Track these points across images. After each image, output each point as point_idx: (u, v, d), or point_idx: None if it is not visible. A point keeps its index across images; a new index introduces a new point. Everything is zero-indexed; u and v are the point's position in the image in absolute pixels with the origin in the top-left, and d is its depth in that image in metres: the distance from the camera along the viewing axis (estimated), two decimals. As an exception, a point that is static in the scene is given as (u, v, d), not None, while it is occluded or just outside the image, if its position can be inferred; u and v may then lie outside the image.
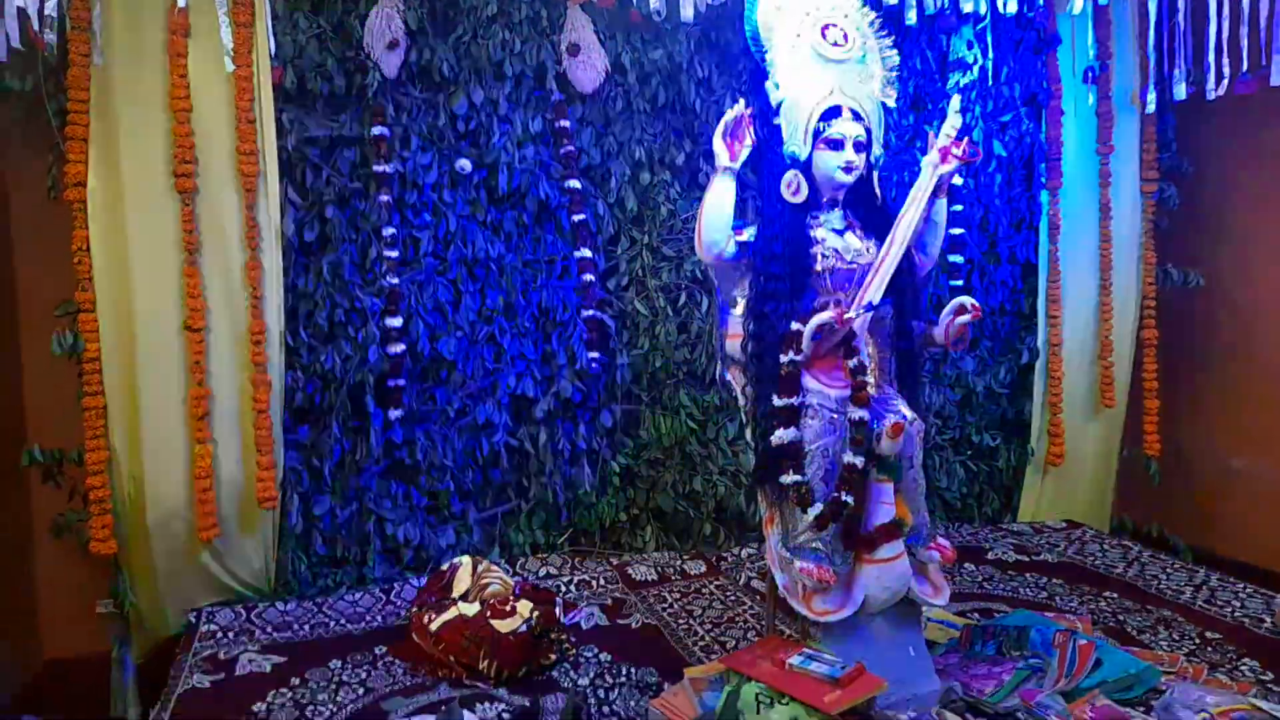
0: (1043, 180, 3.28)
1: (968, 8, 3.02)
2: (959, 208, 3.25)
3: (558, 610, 2.43)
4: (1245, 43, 2.89)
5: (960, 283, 3.28)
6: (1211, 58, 2.94)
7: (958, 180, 3.23)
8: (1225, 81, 2.98)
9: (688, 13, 2.73)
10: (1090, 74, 3.27)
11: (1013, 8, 3.01)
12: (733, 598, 2.74)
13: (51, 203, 2.50)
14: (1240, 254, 3.42)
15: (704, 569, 2.99)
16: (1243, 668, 2.18)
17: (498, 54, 2.81)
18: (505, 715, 2.02)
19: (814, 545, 1.93)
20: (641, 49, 2.95)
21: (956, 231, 3.25)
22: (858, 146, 2.00)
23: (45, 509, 2.71)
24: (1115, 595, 2.68)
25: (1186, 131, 3.41)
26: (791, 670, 1.79)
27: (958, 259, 3.28)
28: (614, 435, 3.07)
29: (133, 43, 2.45)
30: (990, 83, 3.24)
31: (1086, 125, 3.29)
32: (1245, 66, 2.95)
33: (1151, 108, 3.15)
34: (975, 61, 3.20)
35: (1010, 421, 3.44)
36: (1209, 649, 2.30)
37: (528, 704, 2.07)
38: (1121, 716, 1.85)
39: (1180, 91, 3.11)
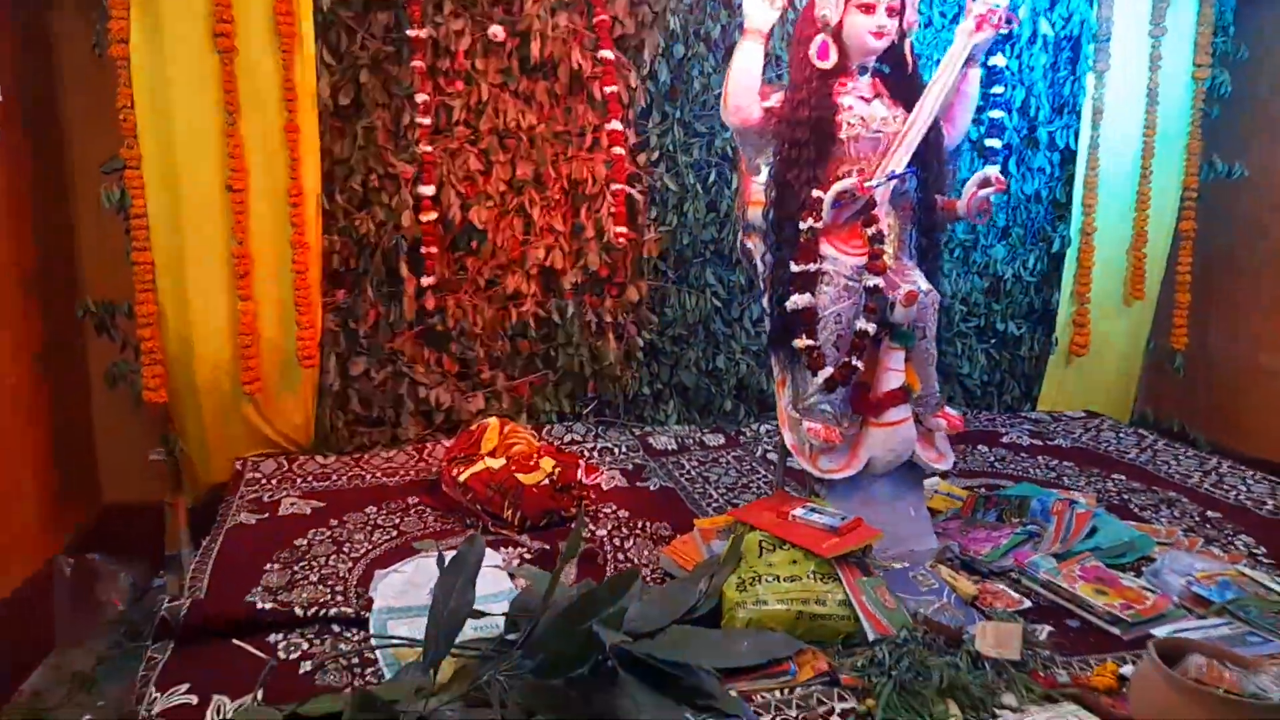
0: (1090, 62, 3.18)
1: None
2: (999, 89, 3.17)
3: (580, 470, 2.56)
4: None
5: (997, 168, 3.23)
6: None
7: (1000, 61, 3.15)
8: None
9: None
10: (1149, -52, 3.12)
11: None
12: (748, 467, 2.85)
13: (97, 60, 2.55)
14: (1291, 143, 3.32)
15: (722, 441, 3.10)
16: (1237, 543, 2.25)
17: (532, -83, 2.76)
18: (526, 556, 2.17)
19: (823, 407, 2.01)
20: (679, -88, 2.87)
21: (996, 115, 3.19)
22: (890, 11, 1.97)
23: (99, 360, 2.87)
24: (1123, 477, 2.74)
25: (1246, 14, 3.26)
26: (794, 520, 1.89)
27: (995, 143, 3.22)
28: (640, 310, 3.13)
29: (170, -102, 2.45)
30: (1042, -45, 3.11)
31: (1140, 4, 3.15)
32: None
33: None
34: (1028, -68, 3.07)
35: (1037, 311, 3.44)
36: (1207, 525, 2.37)
37: (547, 548, 2.22)
38: (1109, 576, 1.93)
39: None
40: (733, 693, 1.55)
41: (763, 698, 1.56)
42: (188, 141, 2.56)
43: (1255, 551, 2.20)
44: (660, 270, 3.13)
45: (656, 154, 3.04)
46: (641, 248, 3.06)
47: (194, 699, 1.54)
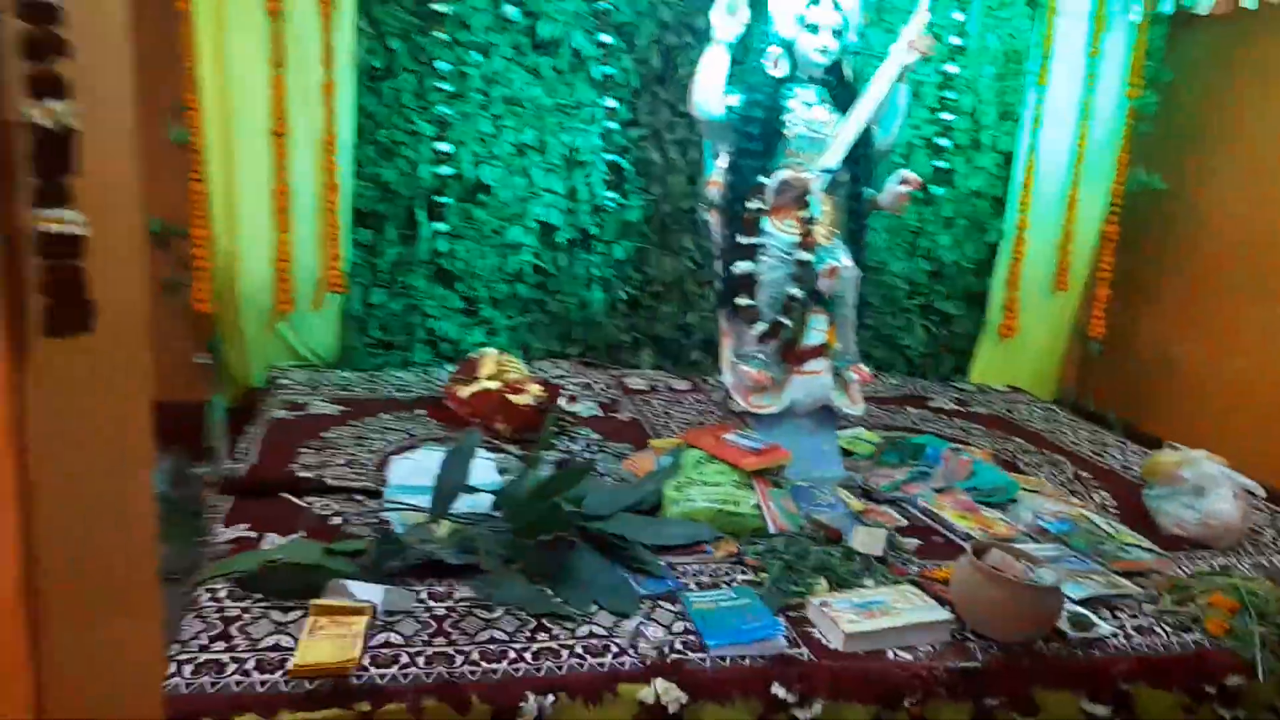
0: (1033, 77, 3.59)
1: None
2: (951, 95, 3.60)
3: (562, 399, 3.03)
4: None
5: (944, 164, 3.67)
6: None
7: (953, 69, 3.57)
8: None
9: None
10: (1092, -22, 3.52)
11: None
12: (705, 408, 3.31)
13: (163, 9, 2.95)
14: (1208, 160, 3.75)
15: (688, 386, 3.56)
16: (1095, 496, 2.74)
17: (547, -85, 3.15)
18: (513, 459, 2.64)
19: (757, 355, 2.47)
20: (678, -86, 3.26)
21: (946, 117, 3.62)
22: (834, 33, 2.39)
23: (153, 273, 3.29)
24: (1021, 440, 3.22)
25: (1174, 41, 3.68)
26: (726, 443, 2.37)
27: (944, 142, 3.65)
28: (623, 267, 3.57)
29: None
30: (995, -23, 3.52)
31: (1079, 27, 3.56)
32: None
33: (1139, 18, 3.42)
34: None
35: (974, 294, 3.89)
36: (1076, 481, 2.86)
37: (529, 454, 2.69)
38: (973, 507, 2.42)
39: (1168, 6, 3.37)
40: (662, 562, 2.03)
41: (685, 569, 2.04)
42: (240, 91, 2.98)
43: (1108, 504, 2.68)
44: (643, 233, 3.57)
45: (645, 130, 3.46)
46: (628, 211, 3.50)
47: (253, 534, 2.02)
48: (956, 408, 3.58)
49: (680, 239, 3.58)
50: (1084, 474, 2.93)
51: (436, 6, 3.14)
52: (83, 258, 0.86)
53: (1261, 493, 2.49)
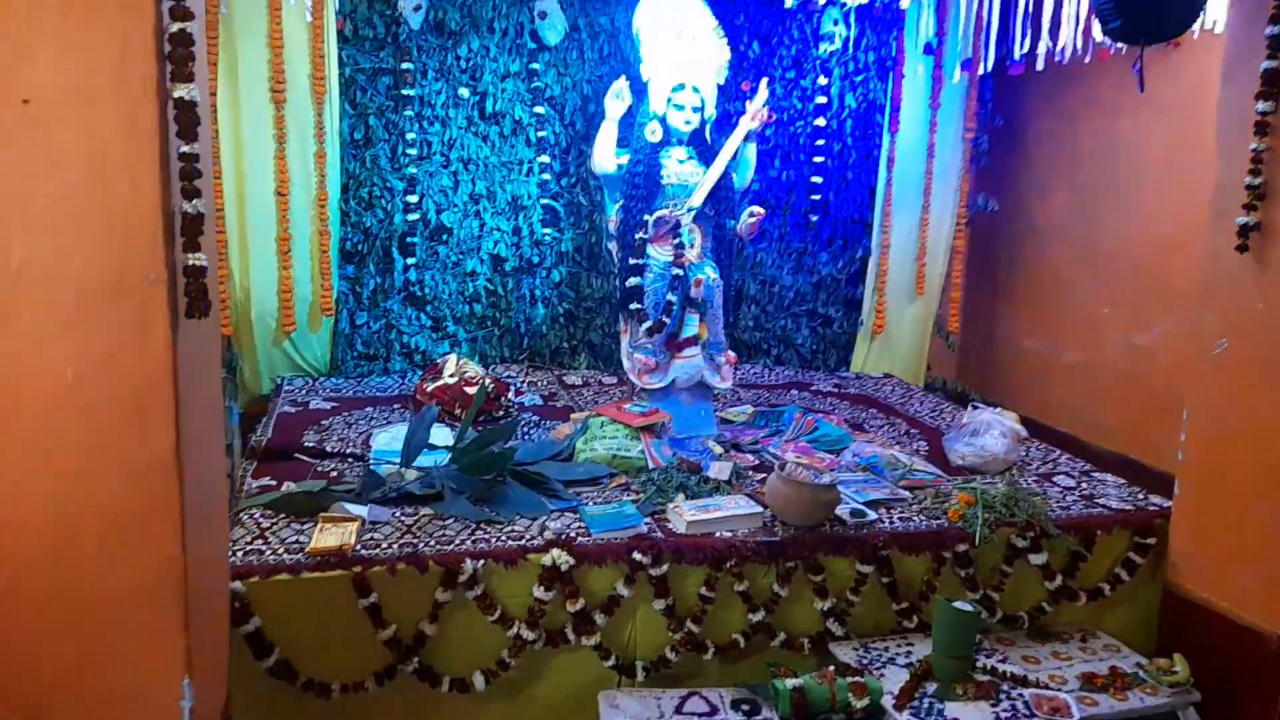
0: (886, 125, 4.49)
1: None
2: (821, 142, 4.50)
3: (511, 390, 3.86)
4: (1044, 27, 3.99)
5: (819, 196, 4.56)
6: (992, 44, 4.08)
7: (821, 123, 4.47)
8: (1019, 62, 4.13)
9: (623, -8, 3.93)
10: (928, 47, 4.43)
11: (869, -6, 4.17)
12: (626, 395, 4.13)
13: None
14: (1036, 185, 4.65)
15: (616, 381, 4.39)
16: (915, 445, 3.58)
17: (489, 14, 4.04)
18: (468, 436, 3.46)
19: (647, 345, 3.31)
20: (593, 14, 4.16)
21: (819, 160, 4.51)
22: (695, 109, 3.27)
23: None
24: (874, 410, 4.07)
25: (1001, 92, 4.60)
26: (623, 410, 3.20)
27: (818, 179, 4.54)
28: (560, 288, 4.42)
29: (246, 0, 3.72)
30: (850, 51, 4.43)
31: (923, 85, 4.48)
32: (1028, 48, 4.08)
33: (958, 78, 4.34)
34: (840, 34, 4.38)
35: (849, 299, 4.76)
36: (905, 436, 3.70)
37: (482, 430, 3.51)
38: (808, 450, 3.26)
39: (985, 66, 4.27)
40: (570, 491, 2.85)
41: (587, 494, 2.87)
42: (251, 160, 3.83)
43: (921, 449, 3.52)
44: (576, 260, 4.42)
45: (574, 179, 4.33)
46: (562, 243, 4.36)
47: (273, 483, 2.83)
48: (833, 390, 4.43)
49: (607, 263, 4.43)
50: (913, 430, 3.78)
51: (405, 91, 4.01)
52: (205, 279, 1.66)
53: (1025, 433, 3.32)
